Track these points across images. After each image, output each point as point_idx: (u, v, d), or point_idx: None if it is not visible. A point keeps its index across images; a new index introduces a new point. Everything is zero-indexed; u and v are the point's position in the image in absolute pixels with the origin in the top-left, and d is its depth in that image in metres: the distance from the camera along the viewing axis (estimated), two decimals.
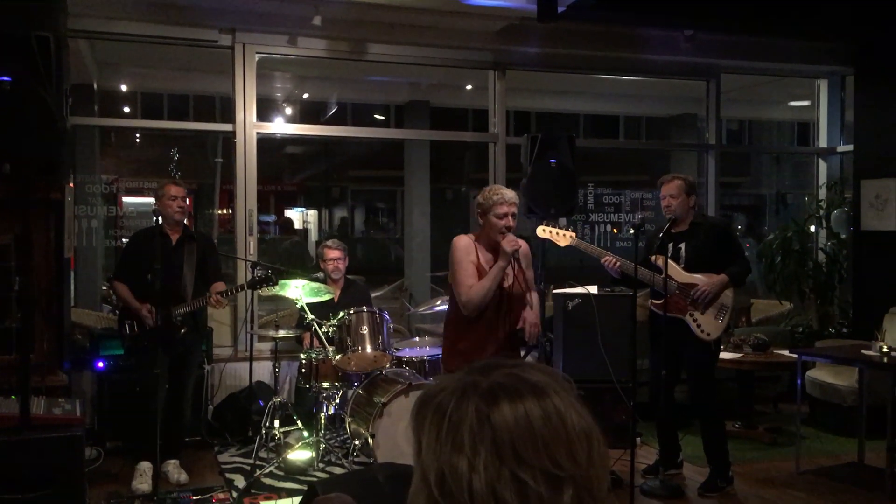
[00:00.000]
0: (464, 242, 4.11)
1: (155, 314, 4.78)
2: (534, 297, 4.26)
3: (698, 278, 4.80)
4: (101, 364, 5.56)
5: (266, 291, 5.48)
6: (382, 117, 14.12)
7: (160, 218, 4.84)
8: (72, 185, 5.51)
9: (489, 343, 4.06)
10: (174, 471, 5.03)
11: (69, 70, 4.89)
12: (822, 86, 8.32)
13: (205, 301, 5.07)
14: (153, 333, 4.86)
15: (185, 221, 5.23)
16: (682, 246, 4.90)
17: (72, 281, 5.60)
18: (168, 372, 4.99)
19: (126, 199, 7.29)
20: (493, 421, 0.97)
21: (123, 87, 9.09)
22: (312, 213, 19.41)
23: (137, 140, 12.29)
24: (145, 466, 4.92)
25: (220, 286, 5.22)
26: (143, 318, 4.94)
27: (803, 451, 5.44)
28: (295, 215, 18.51)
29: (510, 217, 4.00)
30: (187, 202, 5.18)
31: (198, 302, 5.08)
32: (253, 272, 5.41)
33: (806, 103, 9.05)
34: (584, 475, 0.98)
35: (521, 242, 4.17)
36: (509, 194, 4.06)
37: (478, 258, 4.09)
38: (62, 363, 4.81)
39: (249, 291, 5.79)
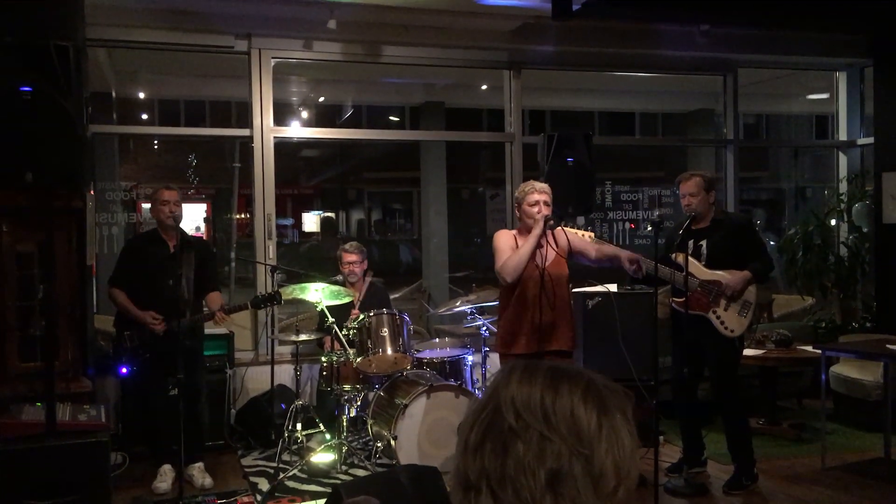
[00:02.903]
0: (504, 233, 4.64)
1: (163, 320, 4.83)
2: (609, 248, 4.64)
3: (720, 275, 4.77)
4: (123, 370, 5.59)
5: (288, 295, 5.49)
6: (398, 119, 14.15)
7: (156, 224, 4.92)
8: (92, 192, 5.55)
9: (530, 325, 4.42)
10: (199, 475, 5.06)
11: (88, 79, 4.93)
12: (841, 78, 8.24)
13: (208, 317, 5.07)
14: (154, 344, 4.90)
15: (184, 227, 5.17)
16: (704, 243, 4.87)
17: (93, 288, 5.64)
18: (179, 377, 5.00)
19: (145, 206, 7.32)
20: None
21: (141, 95, 9.15)
22: (329, 216, 19.48)
23: (156, 146, 12.39)
24: (167, 468, 4.99)
25: (216, 296, 5.22)
26: (148, 325, 4.92)
27: (828, 446, 5.39)
28: (312, 218, 18.58)
29: (542, 204, 4.42)
30: (181, 207, 5.09)
31: (201, 318, 5.09)
32: (274, 280, 5.43)
33: (824, 96, 8.97)
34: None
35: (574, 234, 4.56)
36: (539, 184, 4.54)
37: (517, 245, 4.53)
38: (86, 370, 4.85)
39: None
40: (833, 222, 8.05)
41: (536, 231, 4.38)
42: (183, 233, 5.03)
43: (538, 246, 4.42)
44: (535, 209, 4.42)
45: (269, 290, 5.29)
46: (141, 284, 4.99)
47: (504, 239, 4.57)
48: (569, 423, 0.98)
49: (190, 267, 5.03)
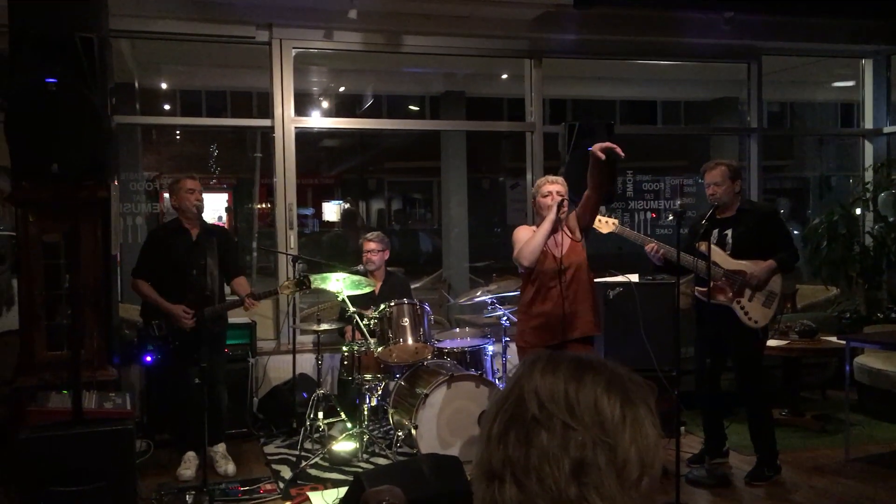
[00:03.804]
0: (523, 228, 4.70)
1: (193, 315, 4.87)
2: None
3: (745, 265, 4.73)
4: (148, 358, 5.65)
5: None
6: (418, 108, 14.12)
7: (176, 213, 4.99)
8: (116, 182, 5.60)
9: (551, 316, 4.44)
10: (222, 461, 5.11)
11: (112, 70, 4.96)
12: (867, 66, 8.13)
13: (238, 303, 5.12)
14: (182, 331, 4.94)
15: (206, 216, 5.23)
16: (729, 232, 4.82)
17: (118, 277, 5.70)
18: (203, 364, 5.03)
19: (168, 195, 7.40)
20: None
21: (163, 85, 9.21)
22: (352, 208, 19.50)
23: (178, 137, 12.47)
24: (191, 455, 5.05)
25: (242, 281, 5.28)
26: (178, 319, 4.94)
27: (852, 438, 5.34)
28: (332, 208, 18.62)
29: (554, 193, 4.46)
30: (203, 195, 5.14)
31: (230, 305, 5.14)
32: (296, 269, 5.45)
33: (850, 84, 8.85)
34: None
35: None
36: (552, 176, 4.64)
37: None
38: (111, 358, 4.90)
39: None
40: (858, 211, 7.95)
41: (551, 215, 4.41)
42: (203, 221, 5.08)
43: (553, 231, 4.42)
44: (549, 198, 4.47)
45: (298, 275, 5.32)
46: (166, 274, 5.03)
47: (523, 232, 4.63)
48: (592, 413, 0.98)
49: (214, 254, 5.06)
